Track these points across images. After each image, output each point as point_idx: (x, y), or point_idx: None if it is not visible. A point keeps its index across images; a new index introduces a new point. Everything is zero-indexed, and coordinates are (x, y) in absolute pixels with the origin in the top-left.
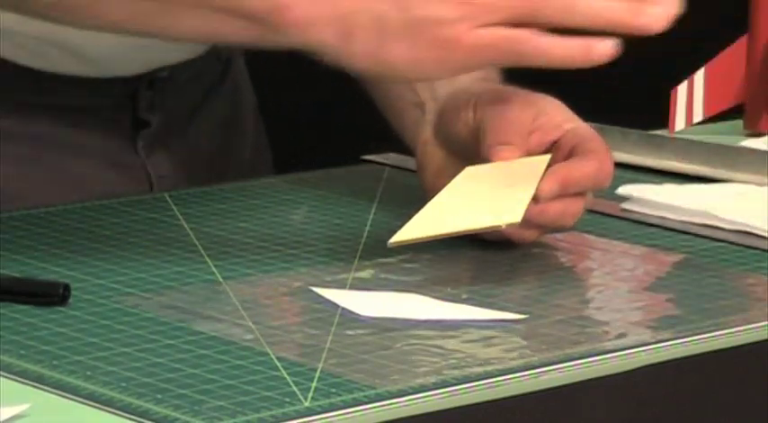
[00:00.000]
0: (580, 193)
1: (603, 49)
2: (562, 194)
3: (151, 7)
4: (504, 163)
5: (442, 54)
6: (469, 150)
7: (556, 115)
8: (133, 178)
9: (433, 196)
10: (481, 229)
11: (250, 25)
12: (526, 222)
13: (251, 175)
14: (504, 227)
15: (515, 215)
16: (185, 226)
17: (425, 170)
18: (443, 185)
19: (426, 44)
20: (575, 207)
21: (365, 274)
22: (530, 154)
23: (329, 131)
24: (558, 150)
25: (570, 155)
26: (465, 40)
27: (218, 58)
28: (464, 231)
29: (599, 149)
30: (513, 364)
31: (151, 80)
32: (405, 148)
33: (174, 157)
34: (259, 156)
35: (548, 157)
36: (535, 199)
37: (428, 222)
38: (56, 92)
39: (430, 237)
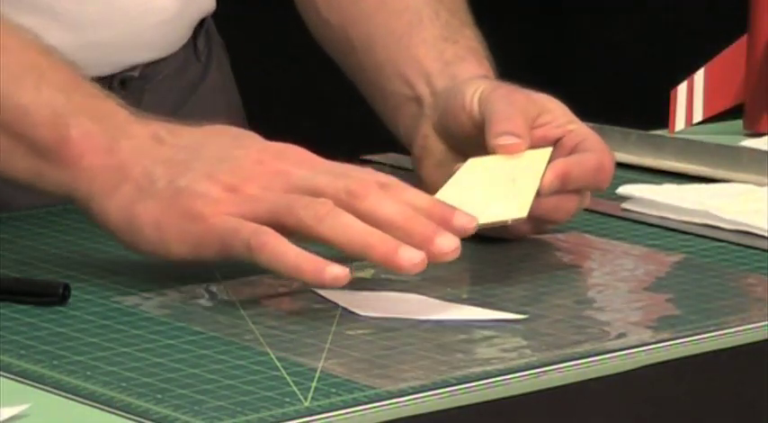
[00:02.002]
0: (577, 191)
1: (335, 273)
2: (560, 190)
3: None
4: (507, 156)
5: (184, 224)
6: (472, 143)
7: (559, 115)
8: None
9: (432, 189)
10: (489, 223)
11: (31, 154)
12: None
13: None
14: (510, 222)
15: (521, 211)
16: None
17: (424, 164)
18: (442, 179)
19: (174, 211)
20: (570, 203)
21: (365, 274)
22: None
23: (329, 131)
24: (560, 149)
25: (571, 153)
26: (210, 219)
27: (197, 58)
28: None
29: (600, 149)
30: (513, 364)
31: (123, 80)
32: (405, 148)
33: None
34: None
35: (549, 150)
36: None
37: None
38: None
39: None
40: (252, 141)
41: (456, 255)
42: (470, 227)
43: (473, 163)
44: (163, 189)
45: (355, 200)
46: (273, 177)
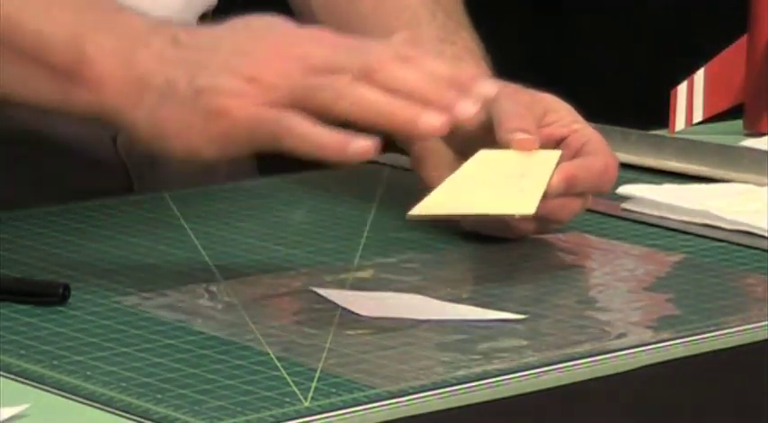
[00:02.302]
0: (582, 193)
1: (358, 147)
2: (566, 193)
3: None
4: (517, 152)
5: (209, 124)
6: (475, 142)
7: (564, 114)
8: (113, 177)
9: (435, 187)
10: (496, 214)
11: (54, 77)
12: None
13: (232, 175)
14: (516, 217)
15: (529, 207)
16: (185, 226)
17: (425, 164)
18: (443, 179)
19: (197, 111)
20: (574, 205)
21: (365, 274)
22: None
23: None
24: (566, 149)
25: (577, 155)
26: (234, 113)
27: None
28: (479, 215)
29: (605, 152)
30: (513, 364)
31: None
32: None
33: (153, 157)
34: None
35: (559, 153)
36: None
37: (445, 201)
38: None
39: (446, 216)
40: (270, 30)
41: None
42: (490, 92)
43: (483, 155)
44: (184, 91)
45: (373, 73)
46: (292, 63)
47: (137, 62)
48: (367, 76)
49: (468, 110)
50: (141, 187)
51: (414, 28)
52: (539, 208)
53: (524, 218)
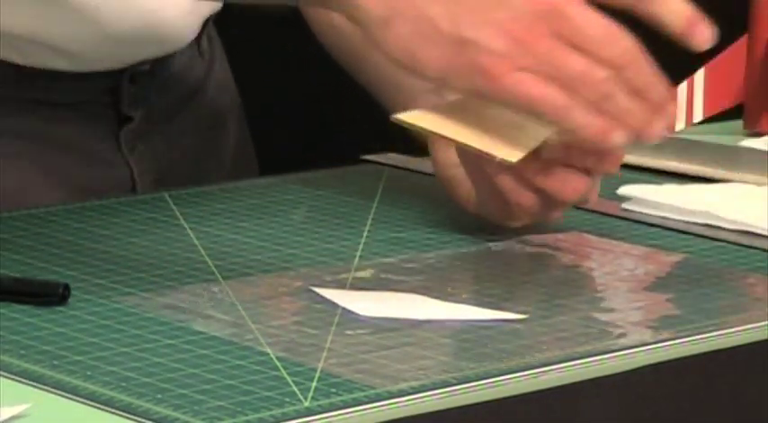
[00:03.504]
0: (586, 171)
1: (618, 137)
2: (566, 162)
3: None
4: None
5: (473, 79)
6: None
7: None
8: (115, 174)
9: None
10: (478, 150)
11: None
12: (526, 182)
13: (234, 174)
14: (497, 159)
15: (514, 155)
16: (185, 226)
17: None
18: (461, 171)
19: (464, 64)
20: (578, 182)
21: (365, 274)
22: None
23: (329, 131)
24: None
25: None
26: (503, 79)
27: (201, 56)
28: (462, 143)
29: None
30: (513, 364)
31: (132, 74)
32: (405, 149)
33: (156, 154)
34: (242, 155)
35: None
36: (538, 153)
37: (436, 119)
38: (35, 86)
39: (431, 132)
40: None
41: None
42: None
43: None
44: (447, 35)
45: (621, 70)
46: (559, 27)
47: None
48: (617, 66)
49: (658, 133)
50: (144, 185)
51: None
52: (540, 179)
53: (505, 163)
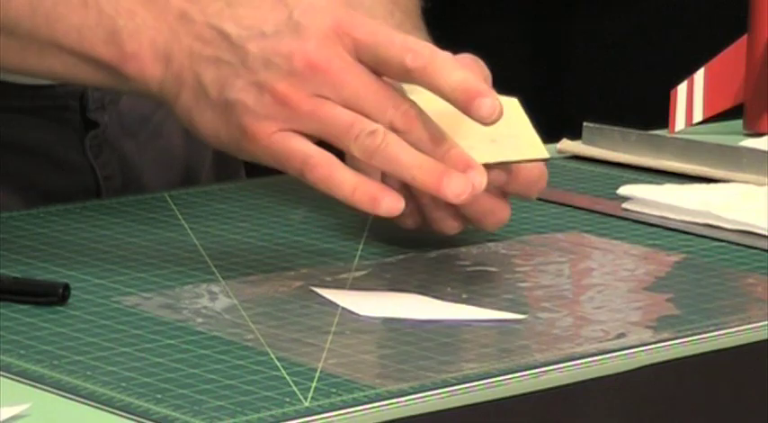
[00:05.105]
0: (506, 198)
1: (390, 204)
2: (504, 188)
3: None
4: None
5: (239, 140)
6: None
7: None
8: (80, 179)
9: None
10: (514, 161)
11: (99, 70)
12: (453, 209)
13: (218, 175)
14: (536, 159)
15: (543, 151)
16: (185, 226)
17: None
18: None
19: (230, 126)
20: (503, 213)
21: (365, 273)
22: None
23: None
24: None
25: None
26: (263, 140)
27: None
28: (496, 163)
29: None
30: (513, 364)
31: None
32: None
33: (125, 159)
34: (225, 155)
35: (515, 99)
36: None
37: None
38: (1, 93)
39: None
40: (292, 39)
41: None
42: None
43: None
44: (215, 100)
45: (401, 134)
46: (326, 86)
47: (172, 58)
48: (397, 129)
49: (455, 193)
50: (109, 190)
51: None
52: (468, 209)
53: (542, 160)
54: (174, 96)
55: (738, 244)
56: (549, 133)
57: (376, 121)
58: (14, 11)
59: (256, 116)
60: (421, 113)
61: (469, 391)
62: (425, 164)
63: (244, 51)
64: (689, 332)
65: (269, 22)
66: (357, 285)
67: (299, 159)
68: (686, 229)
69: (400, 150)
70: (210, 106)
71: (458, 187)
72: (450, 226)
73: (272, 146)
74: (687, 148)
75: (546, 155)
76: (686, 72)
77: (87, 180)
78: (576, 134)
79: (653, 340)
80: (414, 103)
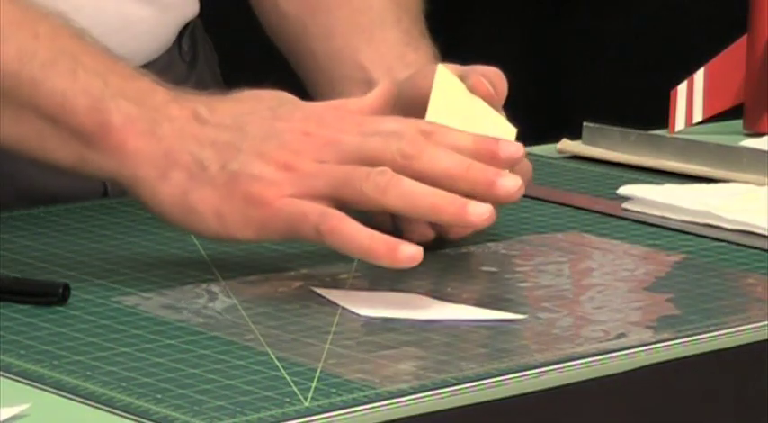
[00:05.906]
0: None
1: (409, 253)
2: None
3: None
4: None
5: (246, 210)
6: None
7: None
8: (86, 182)
9: None
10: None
11: (71, 142)
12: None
13: None
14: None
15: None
16: None
17: None
18: None
19: (234, 198)
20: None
21: (365, 273)
22: None
23: None
24: None
25: None
26: (273, 203)
27: (181, 59)
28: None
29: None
30: (513, 364)
31: None
32: None
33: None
34: None
35: (514, 130)
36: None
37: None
38: None
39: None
40: (289, 110)
41: (520, 193)
42: (519, 155)
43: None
44: (216, 175)
45: (411, 161)
46: (324, 148)
47: (162, 135)
48: (405, 165)
49: (510, 185)
50: (115, 194)
51: (378, 26)
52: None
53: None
54: (157, 175)
55: (738, 244)
56: (549, 133)
57: (383, 156)
58: (3, 65)
59: (264, 183)
60: (425, 135)
61: (469, 391)
62: (441, 192)
63: (240, 133)
64: (689, 332)
65: (257, 109)
66: (357, 285)
67: (314, 216)
68: (686, 229)
69: (413, 183)
70: (210, 181)
71: (481, 210)
72: (420, 236)
73: (285, 208)
74: (687, 148)
75: (513, 130)
76: (686, 72)
77: (94, 183)
78: (576, 134)
79: (653, 340)
80: (411, 134)
